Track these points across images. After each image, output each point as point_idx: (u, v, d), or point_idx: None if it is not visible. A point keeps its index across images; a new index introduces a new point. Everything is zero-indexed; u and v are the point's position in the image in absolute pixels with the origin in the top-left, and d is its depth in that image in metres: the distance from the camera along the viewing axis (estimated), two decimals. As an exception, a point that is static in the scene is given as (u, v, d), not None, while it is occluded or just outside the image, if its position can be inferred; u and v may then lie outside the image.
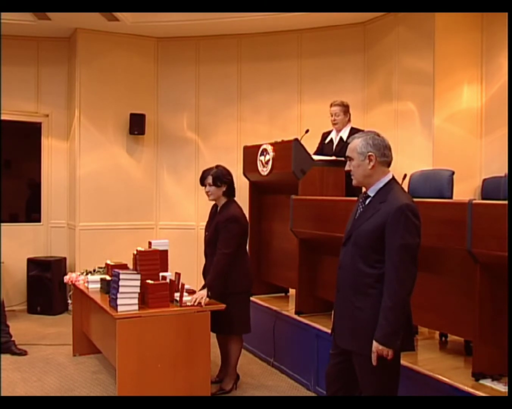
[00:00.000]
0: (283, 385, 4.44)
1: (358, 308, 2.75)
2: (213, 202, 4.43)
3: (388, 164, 2.86)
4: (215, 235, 4.20)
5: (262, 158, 5.23)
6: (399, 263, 2.65)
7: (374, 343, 2.66)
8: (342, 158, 3.99)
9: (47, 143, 7.25)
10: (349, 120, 5.26)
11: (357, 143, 2.84)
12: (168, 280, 4.16)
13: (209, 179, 4.23)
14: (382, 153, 2.81)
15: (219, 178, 4.24)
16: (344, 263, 2.88)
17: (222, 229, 4.14)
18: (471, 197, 4.95)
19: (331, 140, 5.30)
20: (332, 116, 5.23)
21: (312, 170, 4.80)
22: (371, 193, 2.84)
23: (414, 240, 2.67)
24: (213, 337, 4.14)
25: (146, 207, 7.26)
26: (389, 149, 2.85)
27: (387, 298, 2.64)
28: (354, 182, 2.92)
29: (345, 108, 5.22)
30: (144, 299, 3.95)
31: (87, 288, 4.68)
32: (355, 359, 2.82)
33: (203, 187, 4.32)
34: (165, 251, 4.51)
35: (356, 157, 2.83)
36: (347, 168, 2.92)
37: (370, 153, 2.79)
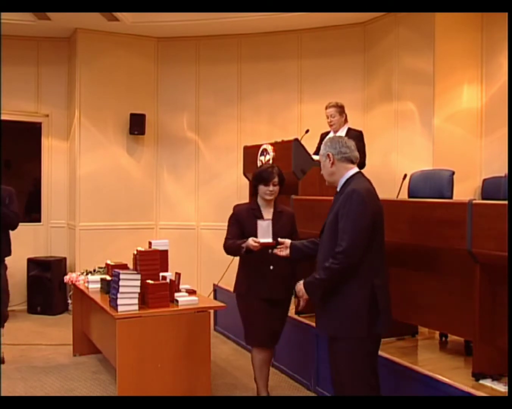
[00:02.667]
0: (283, 385, 4.44)
1: (332, 295, 2.95)
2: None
3: (351, 161, 3.06)
4: (290, 230, 3.97)
5: (262, 158, 5.23)
6: (340, 240, 2.87)
7: (300, 284, 3.06)
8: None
9: (47, 143, 7.25)
10: (345, 121, 5.25)
11: (321, 147, 3.14)
12: (168, 280, 4.16)
13: (277, 179, 3.92)
14: (339, 151, 3.05)
15: (283, 177, 3.99)
16: (318, 256, 3.11)
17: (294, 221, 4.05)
18: (471, 197, 4.94)
19: (330, 140, 5.30)
20: (328, 118, 5.23)
21: (312, 170, 4.81)
22: (338, 188, 3.09)
23: (360, 223, 2.85)
24: (213, 337, 4.15)
25: (146, 207, 7.26)
26: (348, 147, 3.07)
27: (327, 260, 2.90)
28: (326, 183, 3.19)
29: (340, 109, 5.21)
30: (144, 299, 3.95)
31: (87, 288, 4.68)
32: (331, 344, 3.02)
33: (267, 186, 3.89)
34: (165, 251, 4.51)
35: (321, 160, 3.14)
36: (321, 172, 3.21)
37: (328, 153, 3.07)
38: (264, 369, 3.95)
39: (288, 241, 3.44)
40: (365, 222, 2.87)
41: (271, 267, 3.80)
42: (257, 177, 3.94)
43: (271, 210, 3.96)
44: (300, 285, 3.08)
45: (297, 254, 3.40)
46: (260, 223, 3.70)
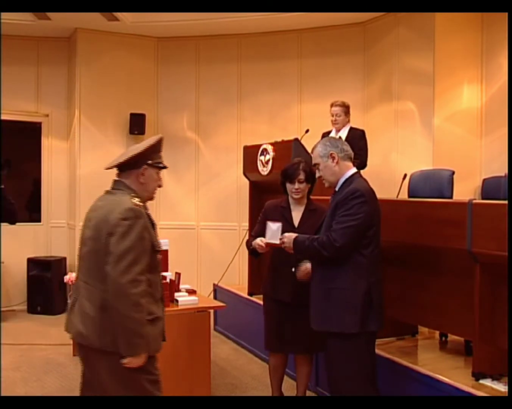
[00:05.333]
0: (283, 385, 4.42)
1: (330, 289, 2.98)
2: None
3: (350, 159, 3.12)
4: None
5: (262, 158, 5.23)
6: (332, 229, 2.95)
7: (292, 236, 3.13)
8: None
9: (47, 143, 7.25)
10: (348, 120, 5.27)
11: (317, 149, 3.14)
12: (168, 280, 4.16)
13: (303, 176, 3.64)
14: (341, 149, 3.09)
15: (312, 174, 3.58)
16: None
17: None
18: (471, 197, 4.94)
19: (331, 140, 5.30)
20: (333, 116, 5.24)
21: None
22: (337, 188, 3.10)
23: (351, 218, 2.89)
24: (213, 337, 4.14)
25: (146, 207, 7.24)
26: (347, 145, 3.15)
27: (319, 239, 2.97)
28: (326, 184, 3.15)
29: (346, 109, 5.23)
30: (144, 299, 3.94)
31: (87, 288, 4.68)
32: (327, 340, 3.03)
33: (293, 183, 3.64)
34: (165, 251, 4.50)
35: (320, 161, 3.11)
36: (317, 175, 3.18)
37: (331, 152, 3.07)
38: (277, 373, 3.87)
39: (291, 237, 3.18)
40: (365, 223, 2.92)
41: (293, 269, 3.56)
42: (283, 174, 3.71)
43: (302, 208, 3.71)
44: (289, 238, 3.14)
45: (299, 247, 3.13)
46: (270, 225, 3.47)
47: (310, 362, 3.84)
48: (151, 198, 2.75)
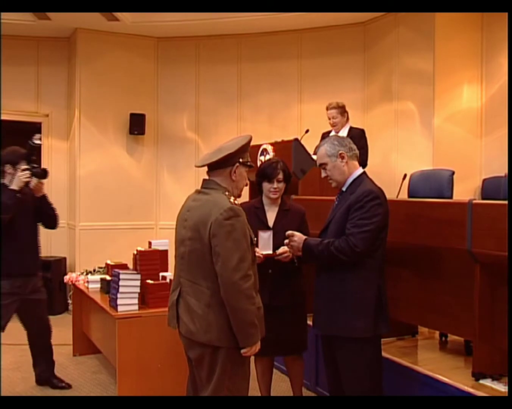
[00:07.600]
0: (283, 385, 4.44)
1: (340, 293, 2.90)
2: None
3: (357, 157, 3.05)
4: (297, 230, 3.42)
5: (262, 158, 5.22)
6: (350, 233, 2.84)
7: (302, 237, 3.04)
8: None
9: (47, 143, 7.24)
10: (347, 120, 5.27)
11: (324, 149, 3.02)
12: (168, 280, 4.16)
13: (281, 175, 3.60)
14: (349, 148, 3.01)
15: (289, 174, 3.67)
16: None
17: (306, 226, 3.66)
18: (471, 197, 4.94)
19: (331, 140, 5.30)
20: (330, 119, 5.24)
21: (312, 170, 4.80)
22: (344, 188, 3.02)
23: (369, 221, 2.82)
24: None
25: (146, 207, 7.26)
26: (353, 143, 3.06)
27: (336, 243, 2.86)
28: (333, 185, 3.07)
29: (341, 109, 5.22)
30: (144, 299, 3.95)
31: (87, 288, 4.69)
32: (329, 345, 2.98)
33: (271, 183, 3.58)
34: (165, 251, 4.50)
35: (328, 161, 3.01)
36: (323, 175, 3.07)
37: (340, 151, 2.98)
38: (266, 376, 3.83)
39: (301, 238, 3.11)
40: (380, 226, 2.88)
41: (270, 271, 3.50)
42: (260, 173, 3.65)
43: (277, 208, 3.65)
44: (300, 239, 3.05)
45: (310, 251, 3.05)
46: (261, 234, 3.44)
47: (301, 361, 3.78)
48: (240, 196, 2.85)
